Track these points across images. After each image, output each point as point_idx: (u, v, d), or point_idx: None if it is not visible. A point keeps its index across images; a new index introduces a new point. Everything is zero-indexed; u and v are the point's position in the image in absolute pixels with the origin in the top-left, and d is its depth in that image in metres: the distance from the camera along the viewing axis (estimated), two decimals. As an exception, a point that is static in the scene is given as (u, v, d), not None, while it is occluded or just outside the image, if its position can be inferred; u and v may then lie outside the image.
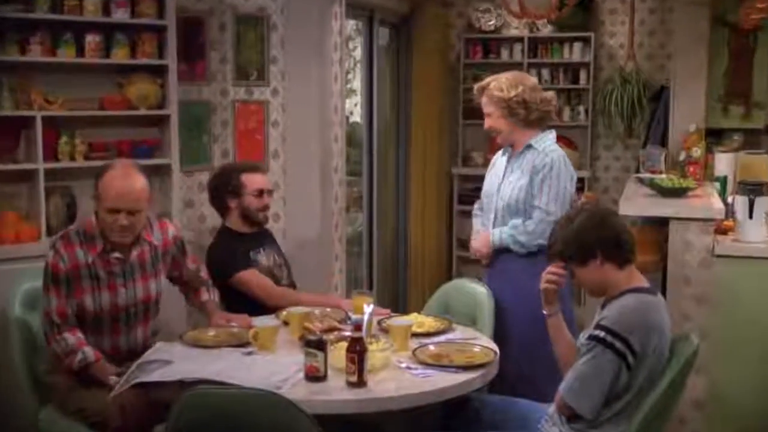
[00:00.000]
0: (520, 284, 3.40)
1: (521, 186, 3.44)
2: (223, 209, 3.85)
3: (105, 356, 3.03)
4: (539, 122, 3.52)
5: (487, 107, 3.53)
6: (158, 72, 4.35)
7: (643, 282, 2.68)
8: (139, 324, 3.19)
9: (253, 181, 3.79)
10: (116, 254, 3.09)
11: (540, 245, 3.40)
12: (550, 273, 2.82)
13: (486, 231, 3.56)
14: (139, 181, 3.04)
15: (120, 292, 3.10)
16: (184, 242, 3.42)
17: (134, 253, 3.14)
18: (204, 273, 3.47)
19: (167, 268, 3.31)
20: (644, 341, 2.52)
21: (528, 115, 3.48)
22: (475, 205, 3.78)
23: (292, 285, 3.87)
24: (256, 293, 3.60)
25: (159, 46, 4.32)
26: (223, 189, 3.79)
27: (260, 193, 3.79)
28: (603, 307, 2.67)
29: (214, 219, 4.81)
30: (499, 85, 3.48)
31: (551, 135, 3.54)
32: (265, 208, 3.84)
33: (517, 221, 3.45)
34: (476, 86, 3.61)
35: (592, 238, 2.65)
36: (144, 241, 3.17)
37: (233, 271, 3.64)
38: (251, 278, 3.63)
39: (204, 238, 4.80)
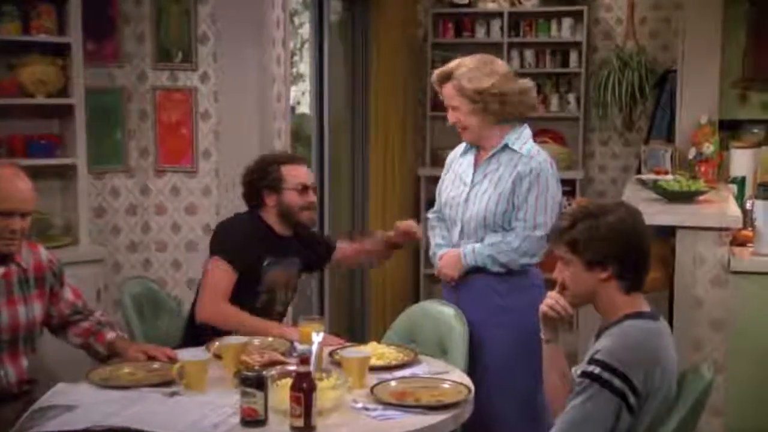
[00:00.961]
0: (494, 306, 3.44)
1: (499, 195, 3.44)
2: (258, 205, 3.82)
3: None
4: (515, 118, 3.53)
5: (453, 100, 3.51)
6: (58, 51, 4.33)
7: (644, 306, 2.69)
8: (5, 358, 3.14)
9: (295, 174, 3.77)
10: None
11: (524, 265, 3.42)
12: (555, 301, 2.76)
13: (454, 249, 3.54)
14: (28, 181, 3.13)
15: None
16: (62, 269, 3.37)
17: None
18: (101, 314, 3.43)
19: (45, 299, 3.27)
20: (648, 377, 2.52)
21: (503, 110, 3.48)
22: (430, 215, 3.77)
23: (280, 314, 3.88)
24: (203, 292, 3.60)
25: (59, 20, 4.30)
26: (260, 182, 3.78)
27: (304, 188, 3.78)
28: (598, 335, 2.67)
29: (130, 231, 4.79)
30: (468, 73, 3.45)
31: (527, 131, 3.56)
32: (310, 206, 3.81)
33: (496, 237, 3.45)
34: (436, 73, 3.57)
35: (613, 248, 2.63)
36: (10, 261, 3.15)
37: (219, 253, 3.63)
38: (216, 275, 3.60)
39: (119, 253, 4.76)
